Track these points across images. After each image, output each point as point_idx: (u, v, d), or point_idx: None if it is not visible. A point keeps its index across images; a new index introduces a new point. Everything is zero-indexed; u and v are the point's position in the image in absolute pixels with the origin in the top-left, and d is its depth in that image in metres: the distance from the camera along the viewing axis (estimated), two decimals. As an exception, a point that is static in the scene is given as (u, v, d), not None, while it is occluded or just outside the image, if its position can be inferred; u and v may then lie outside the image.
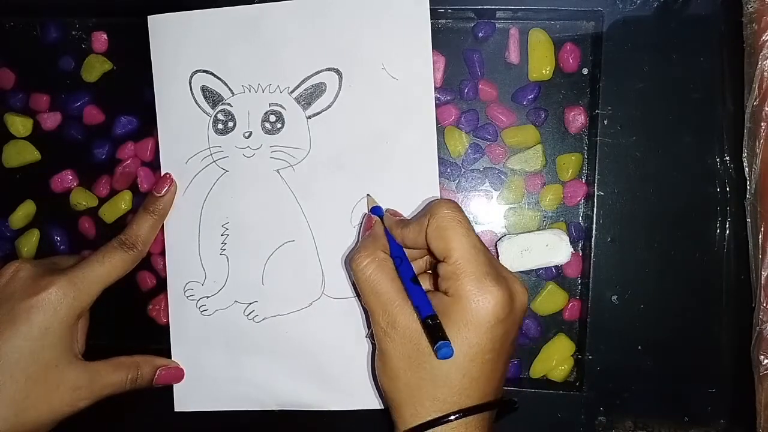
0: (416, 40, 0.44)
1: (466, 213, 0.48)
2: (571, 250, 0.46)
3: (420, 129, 0.45)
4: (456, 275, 0.36)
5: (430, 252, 0.38)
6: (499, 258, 0.47)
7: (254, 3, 0.46)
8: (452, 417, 0.35)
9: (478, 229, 0.48)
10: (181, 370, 0.47)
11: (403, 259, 0.39)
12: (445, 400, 0.35)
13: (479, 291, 0.35)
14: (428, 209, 0.38)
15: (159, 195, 0.46)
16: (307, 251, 0.46)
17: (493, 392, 0.37)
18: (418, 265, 0.43)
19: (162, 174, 0.47)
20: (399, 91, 0.45)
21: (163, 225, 0.47)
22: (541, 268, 0.47)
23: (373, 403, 0.45)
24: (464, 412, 0.35)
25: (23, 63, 0.52)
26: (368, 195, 0.45)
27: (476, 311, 0.35)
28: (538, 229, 0.48)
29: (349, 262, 0.39)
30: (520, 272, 0.48)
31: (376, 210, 0.44)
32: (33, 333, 0.41)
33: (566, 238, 0.46)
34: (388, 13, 0.44)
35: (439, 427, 0.35)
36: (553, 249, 0.46)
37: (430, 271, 0.44)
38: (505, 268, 0.39)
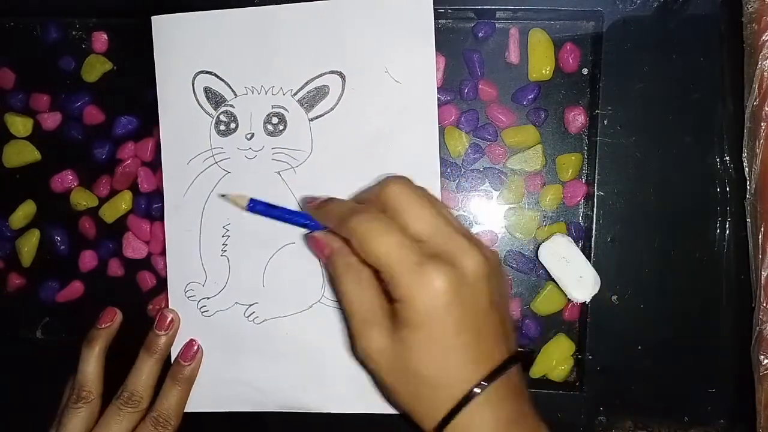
0: (420, 44, 0.44)
1: (466, 213, 0.49)
2: (589, 300, 0.46)
3: (422, 133, 0.45)
4: (390, 281, 0.35)
5: None
6: (539, 246, 0.46)
7: (257, 5, 0.46)
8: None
9: (477, 229, 0.48)
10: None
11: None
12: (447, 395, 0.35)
13: (415, 287, 0.34)
14: (342, 213, 0.38)
15: (162, 333, 0.46)
16: (307, 253, 0.46)
17: (491, 355, 0.35)
18: None
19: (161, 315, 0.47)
20: (402, 94, 0.45)
21: (164, 226, 0.47)
22: (545, 270, 0.47)
23: (373, 406, 0.45)
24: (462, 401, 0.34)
25: (23, 63, 0.52)
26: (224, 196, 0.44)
27: (420, 309, 0.34)
28: (590, 262, 0.46)
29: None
30: (538, 265, 0.47)
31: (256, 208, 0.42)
32: None
33: (596, 289, 0.45)
34: (391, 17, 0.44)
35: (464, 411, 0.34)
36: (580, 284, 0.46)
37: None
38: (450, 233, 0.36)
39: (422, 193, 0.37)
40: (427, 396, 0.35)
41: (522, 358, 0.37)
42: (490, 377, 0.34)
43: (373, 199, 0.38)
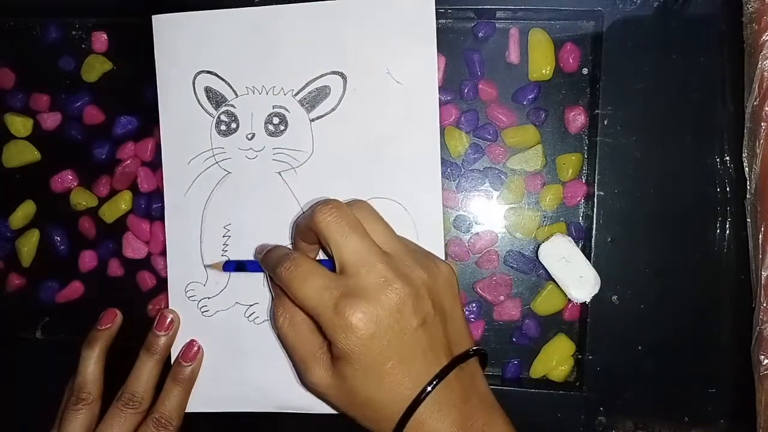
0: (421, 44, 0.44)
1: (466, 213, 0.49)
2: (589, 299, 0.46)
3: (423, 133, 0.45)
4: (317, 322, 0.37)
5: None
6: (540, 246, 0.47)
7: (257, 5, 0.46)
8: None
9: (478, 229, 0.48)
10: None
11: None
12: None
13: (335, 327, 0.36)
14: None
15: (161, 333, 0.46)
16: (307, 253, 0.46)
17: (428, 369, 0.36)
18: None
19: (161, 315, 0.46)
20: (403, 95, 0.45)
21: (164, 226, 0.47)
22: (545, 270, 0.47)
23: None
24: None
25: (23, 63, 0.52)
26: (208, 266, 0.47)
27: (343, 346, 0.36)
28: (590, 262, 0.46)
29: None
30: (540, 266, 0.47)
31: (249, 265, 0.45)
32: None
33: (597, 289, 0.46)
34: (393, 18, 0.44)
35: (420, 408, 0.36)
36: (580, 284, 0.46)
37: None
38: (371, 264, 0.37)
39: (348, 219, 0.38)
40: (373, 417, 0.37)
41: (463, 359, 0.38)
42: (429, 387, 0.36)
43: (307, 230, 0.40)
